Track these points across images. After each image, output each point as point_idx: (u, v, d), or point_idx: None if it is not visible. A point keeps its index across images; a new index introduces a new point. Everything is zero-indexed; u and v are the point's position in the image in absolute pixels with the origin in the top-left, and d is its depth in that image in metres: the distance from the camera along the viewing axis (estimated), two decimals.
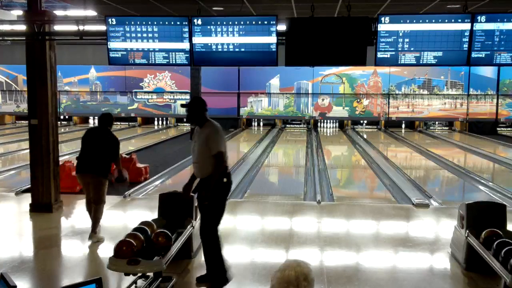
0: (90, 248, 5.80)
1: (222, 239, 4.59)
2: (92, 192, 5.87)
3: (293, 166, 12.92)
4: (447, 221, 6.67)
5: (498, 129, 20.09)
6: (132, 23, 6.48)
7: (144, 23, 6.46)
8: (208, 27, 6.37)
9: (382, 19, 6.15)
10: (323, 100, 20.72)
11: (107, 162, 5.92)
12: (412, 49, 6.17)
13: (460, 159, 13.96)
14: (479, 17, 6.05)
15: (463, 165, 12.34)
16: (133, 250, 4.12)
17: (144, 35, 6.47)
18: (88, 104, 21.86)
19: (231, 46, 6.38)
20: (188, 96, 20.14)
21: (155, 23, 6.44)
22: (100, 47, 13.48)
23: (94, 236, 5.86)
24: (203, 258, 4.67)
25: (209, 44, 6.41)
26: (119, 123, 22.17)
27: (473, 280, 4.79)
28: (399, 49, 6.18)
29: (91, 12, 10.60)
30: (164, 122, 22.14)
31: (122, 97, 21.55)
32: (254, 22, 6.34)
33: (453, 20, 6.11)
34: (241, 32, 6.33)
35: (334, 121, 21.26)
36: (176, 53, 6.50)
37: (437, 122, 21.09)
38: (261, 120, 21.76)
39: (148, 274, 4.44)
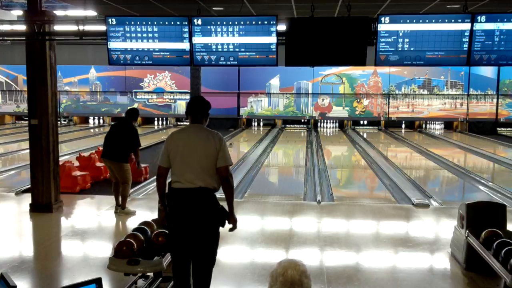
0: (90, 248, 5.81)
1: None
2: (117, 175, 6.98)
3: (293, 166, 12.92)
4: (447, 221, 6.67)
5: (498, 129, 20.09)
6: (132, 23, 6.47)
7: (144, 23, 6.45)
8: (208, 27, 6.37)
9: (382, 19, 6.15)
10: (323, 100, 20.73)
11: (125, 150, 6.95)
12: (412, 49, 6.17)
13: (460, 159, 13.96)
14: (479, 17, 6.05)
15: (463, 165, 12.34)
16: (133, 250, 4.12)
17: (144, 35, 6.47)
18: (88, 104, 21.86)
19: (231, 46, 6.38)
20: (188, 96, 20.16)
21: (155, 23, 6.44)
22: (100, 47, 13.48)
23: (121, 211, 6.97)
24: None
25: (209, 44, 6.41)
26: None
27: (473, 280, 4.78)
28: (399, 49, 6.18)
29: (91, 12, 10.60)
30: (164, 122, 22.15)
31: (122, 97, 21.56)
32: (254, 22, 6.34)
33: (453, 20, 6.11)
34: (241, 32, 6.33)
35: (334, 121, 21.26)
36: (176, 53, 6.50)
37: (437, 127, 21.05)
38: (261, 120, 21.77)
39: (148, 274, 4.44)
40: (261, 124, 21.84)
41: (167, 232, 4.27)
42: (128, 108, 7.33)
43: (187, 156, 3.68)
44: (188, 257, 3.72)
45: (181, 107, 21.21)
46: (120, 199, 7.10)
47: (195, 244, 3.66)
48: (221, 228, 3.79)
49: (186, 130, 3.87)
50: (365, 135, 18.81)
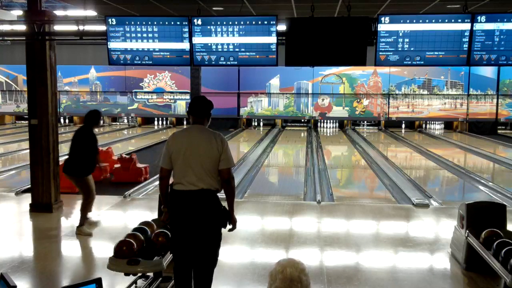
0: (90, 248, 5.81)
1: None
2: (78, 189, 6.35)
3: (293, 166, 12.92)
4: (447, 221, 6.67)
5: (498, 128, 20.08)
6: (132, 23, 6.48)
7: (144, 23, 6.46)
8: (208, 27, 6.37)
9: (382, 19, 6.16)
10: (323, 100, 20.72)
11: (83, 163, 6.11)
12: (412, 49, 6.18)
13: (460, 159, 13.96)
14: (479, 17, 6.05)
15: (463, 165, 12.34)
16: (133, 250, 4.12)
17: (144, 35, 6.47)
18: (88, 104, 21.83)
19: (231, 46, 6.39)
20: (188, 96, 20.16)
21: (155, 23, 6.45)
22: (100, 47, 13.49)
23: (78, 228, 6.13)
24: None
25: (209, 44, 6.41)
26: (118, 124, 22.23)
27: (473, 280, 4.79)
28: (399, 49, 6.19)
29: (91, 12, 10.60)
30: (164, 122, 22.15)
31: (122, 97, 21.56)
32: (254, 22, 6.35)
33: (453, 20, 6.11)
34: (241, 32, 6.34)
35: (334, 121, 21.26)
36: (176, 53, 6.50)
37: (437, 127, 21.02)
38: (261, 120, 21.78)
39: (148, 274, 4.44)
40: (261, 124, 21.85)
41: (167, 232, 4.28)
42: (89, 110, 6.44)
43: (189, 157, 3.64)
44: (190, 258, 3.73)
45: (181, 107, 21.21)
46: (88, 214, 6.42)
47: (198, 245, 3.67)
48: (222, 229, 3.80)
49: (188, 130, 3.83)
50: (365, 135, 18.79)
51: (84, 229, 6.11)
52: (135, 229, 4.55)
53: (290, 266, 2.19)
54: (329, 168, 11.30)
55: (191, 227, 3.65)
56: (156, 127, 21.60)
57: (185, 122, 21.23)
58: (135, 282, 4.44)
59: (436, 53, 6.16)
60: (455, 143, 16.75)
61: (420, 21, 6.14)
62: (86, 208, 6.20)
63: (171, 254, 4.00)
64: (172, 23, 6.44)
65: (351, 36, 6.20)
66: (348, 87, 20.54)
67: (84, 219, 6.18)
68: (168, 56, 6.53)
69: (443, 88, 20.21)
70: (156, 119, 22.12)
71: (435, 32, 6.12)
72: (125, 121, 22.29)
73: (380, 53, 6.23)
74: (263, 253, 5.54)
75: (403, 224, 6.82)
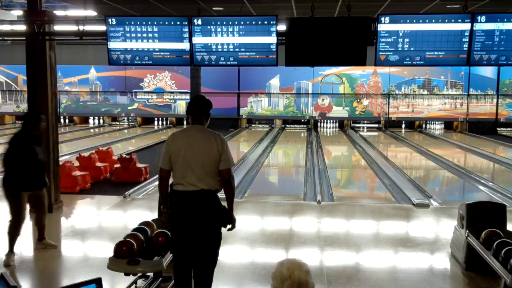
0: (90, 248, 5.81)
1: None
2: None
3: (293, 166, 12.92)
4: (447, 221, 6.67)
5: (498, 129, 20.07)
6: (132, 23, 6.48)
7: (144, 23, 6.46)
8: (208, 27, 6.37)
9: (382, 19, 6.16)
10: (323, 100, 20.72)
11: (19, 175, 5.11)
12: (412, 49, 6.18)
13: (460, 159, 13.96)
14: (479, 17, 6.05)
15: (463, 165, 12.34)
16: (133, 250, 4.12)
17: (144, 35, 6.47)
18: (88, 104, 21.87)
19: (231, 46, 6.39)
20: (188, 96, 20.17)
21: (155, 23, 6.45)
22: (100, 47, 13.48)
23: (6, 256, 5.09)
24: None
25: (209, 44, 6.41)
26: (118, 124, 22.23)
27: (473, 280, 4.78)
28: (399, 49, 6.19)
29: (91, 12, 10.60)
30: (164, 122, 22.15)
31: (122, 97, 21.55)
32: (254, 22, 6.35)
33: (453, 20, 6.11)
34: (241, 32, 6.34)
35: (334, 121, 21.26)
36: (176, 53, 6.50)
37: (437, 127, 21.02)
38: (259, 120, 21.78)
39: (148, 274, 4.44)
40: (261, 124, 21.85)
41: (167, 232, 4.27)
42: (25, 113, 5.45)
43: (189, 158, 3.62)
44: (190, 258, 3.73)
45: (181, 107, 21.21)
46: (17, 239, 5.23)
47: (198, 245, 3.67)
48: (222, 229, 3.81)
49: (187, 131, 3.81)
50: (365, 135, 18.79)
51: (11, 258, 5.07)
52: (135, 229, 4.55)
53: (297, 269, 2.13)
54: (329, 168, 11.30)
55: (191, 227, 3.65)
56: (156, 127, 21.59)
57: (185, 122, 21.21)
58: (135, 282, 4.44)
59: (436, 53, 6.16)
60: (455, 143, 16.75)
61: (420, 21, 6.14)
62: (15, 231, 5.12)
63: (171, 254, 4.00)
64: (172, 23, 6.44)
65: (351, 36, 6.20)
66: (348, 87, 20.54)
67: (12, 243, 5.11)
68: (168, 56, 6.53)
69: (443, 88, 20.21)
70: (156, 119, 22.12)
71: (435, 32, 6.12)
72: (125, 121, 22.33)
73: (380, 53, 6.23)
74: (263, 253, 5.54)
75: (403, 224, 6.82)
